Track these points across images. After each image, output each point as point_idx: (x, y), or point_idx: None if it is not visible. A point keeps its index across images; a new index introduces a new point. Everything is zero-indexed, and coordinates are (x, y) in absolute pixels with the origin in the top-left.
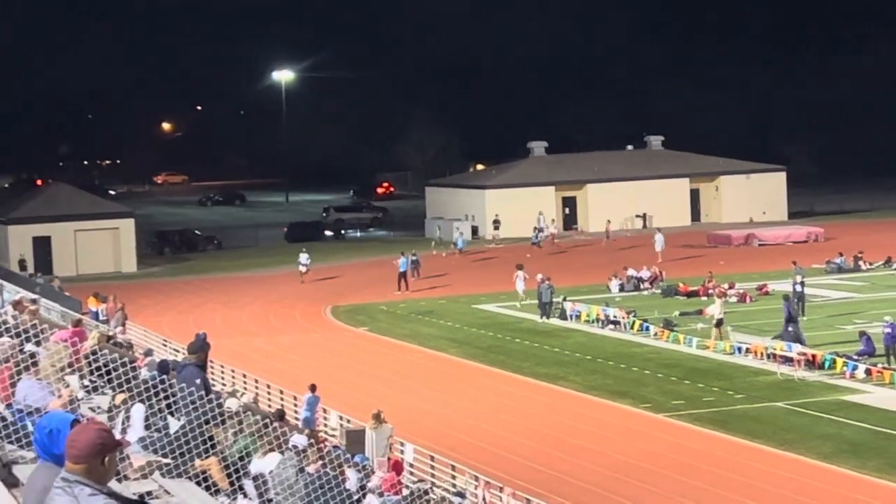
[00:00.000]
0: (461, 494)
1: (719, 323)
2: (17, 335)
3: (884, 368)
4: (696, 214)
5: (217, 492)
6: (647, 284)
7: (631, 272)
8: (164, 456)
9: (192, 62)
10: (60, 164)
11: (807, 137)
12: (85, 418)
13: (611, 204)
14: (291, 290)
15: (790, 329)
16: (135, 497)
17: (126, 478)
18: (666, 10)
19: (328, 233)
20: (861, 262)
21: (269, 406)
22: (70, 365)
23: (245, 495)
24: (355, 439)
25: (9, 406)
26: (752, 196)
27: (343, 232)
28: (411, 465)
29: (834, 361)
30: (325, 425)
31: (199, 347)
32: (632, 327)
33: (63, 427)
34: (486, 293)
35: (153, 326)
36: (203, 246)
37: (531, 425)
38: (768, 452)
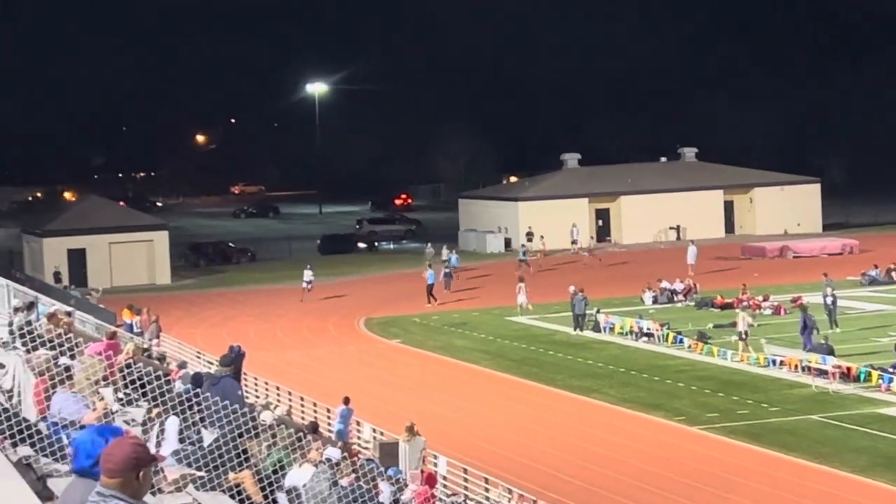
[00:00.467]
0: None
1: (743, 335)
2: (52, 348)
3: None
4: (729, 226)
5: None
6: (680, 297)
7: (665, 284)
8: (199, 469)
9: (227, 75)
10: (95, 176)
11: (841, 149)
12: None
13: (644, 216)
14: (325, 302)
15: (812, 337)
16: None
17: (160, 491)
18: (700, 22)
19: (361, 245)
20: None
21: (303, 419)
22: (104, 378)
23: None
24: (388, 452)
25: (44, 419)
26: (787, 208)
27: (376, 244)
28: (444, 478)
29: (869, 374)
30: (359, 438)
31: (232, 360)
32: (666, 339)
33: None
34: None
35: (187, 339)
36: (237, 258)
37: (564, 438)
38: (803, 466)
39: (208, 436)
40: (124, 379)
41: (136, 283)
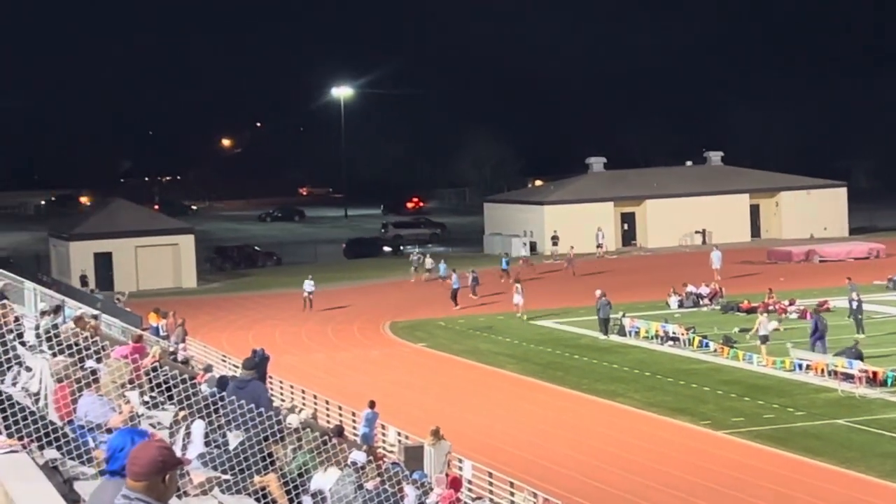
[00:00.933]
0: None
1: (764, 339)
2: (79, 351)
3: None
4: (755, 230)
5: None
6: (706, 301)
7: (690, 288)
8: (224, 472)
9: (252, 79)
10: (121, 180)
11: (867, 153)
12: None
13: (670, 220)
14: (350, 306)
15: (823, 343)
16: None
17: (186, 494)
18: (726, 26)
19: (387, 248)
20: None
21: (328, 422)
22: (130, 381)
23: None
24: (414, 455)
25: (70, 422)
26: (813, 212)
27: (402, 248)
28: (469, 482)
29: (895, 378)
30: (384, 441)
31: (255, 364)
32: (691, 344)
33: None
34: (544, 309)
35: (213, 342)
36: (262, 262)
37: (589, 442)
38: (829, 470)
39: (234, 439)
40: (150, 382)
41: (162, 286)
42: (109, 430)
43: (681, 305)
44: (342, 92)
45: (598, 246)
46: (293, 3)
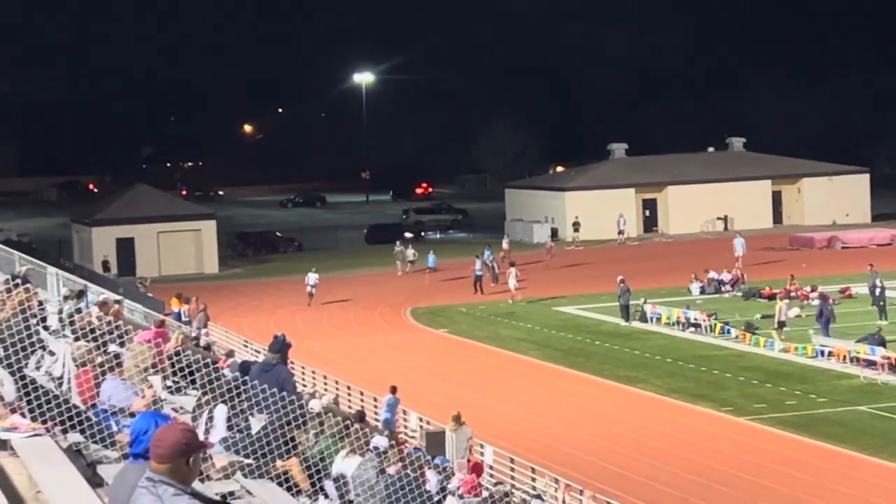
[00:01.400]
0: (540, 497)
1: (781, 325)
2: (102, 336)
3: None
4: (777, 217)
5: (298, 492)
6: (727, 287)
7: (712, 274)
8: (246, 456)
9: (274, 65)
10: (143, 165)
11: (890, 139)
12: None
13: (691, 206)
14: (371, 291)
15: (828, 327)
16: (217, 497)
17: (209, 478)
18: (748, 11)
19: (408, 234)
20: None
21: (350, 407)
22: (153, 365)
23: (326, 496)
24: (435, 441)
25: (93, 406)
26: (835, 198)
27: (423, 234)
28: (491, 467)
29: None
30: (405, 427)
31: (280, 347)
32: (713, 330)
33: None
34: (566, 295)
35: (234, 327)
36: (284, 247)
37: (611, 428)
38: (851, 457)
39: (256, 424)
40: (173, 367)
41: (185, 271)
42: (132, 414)
43: (702, 292)
44: (364, 78)
45: (620, 232)
46: None
